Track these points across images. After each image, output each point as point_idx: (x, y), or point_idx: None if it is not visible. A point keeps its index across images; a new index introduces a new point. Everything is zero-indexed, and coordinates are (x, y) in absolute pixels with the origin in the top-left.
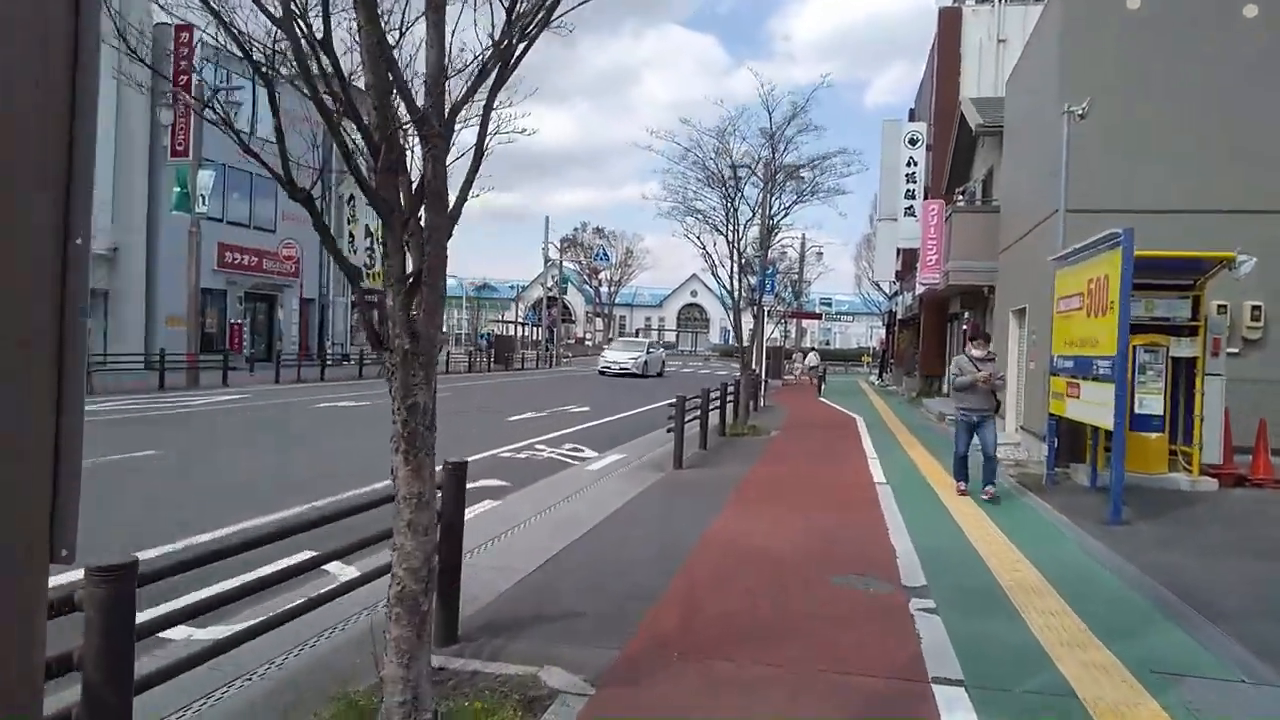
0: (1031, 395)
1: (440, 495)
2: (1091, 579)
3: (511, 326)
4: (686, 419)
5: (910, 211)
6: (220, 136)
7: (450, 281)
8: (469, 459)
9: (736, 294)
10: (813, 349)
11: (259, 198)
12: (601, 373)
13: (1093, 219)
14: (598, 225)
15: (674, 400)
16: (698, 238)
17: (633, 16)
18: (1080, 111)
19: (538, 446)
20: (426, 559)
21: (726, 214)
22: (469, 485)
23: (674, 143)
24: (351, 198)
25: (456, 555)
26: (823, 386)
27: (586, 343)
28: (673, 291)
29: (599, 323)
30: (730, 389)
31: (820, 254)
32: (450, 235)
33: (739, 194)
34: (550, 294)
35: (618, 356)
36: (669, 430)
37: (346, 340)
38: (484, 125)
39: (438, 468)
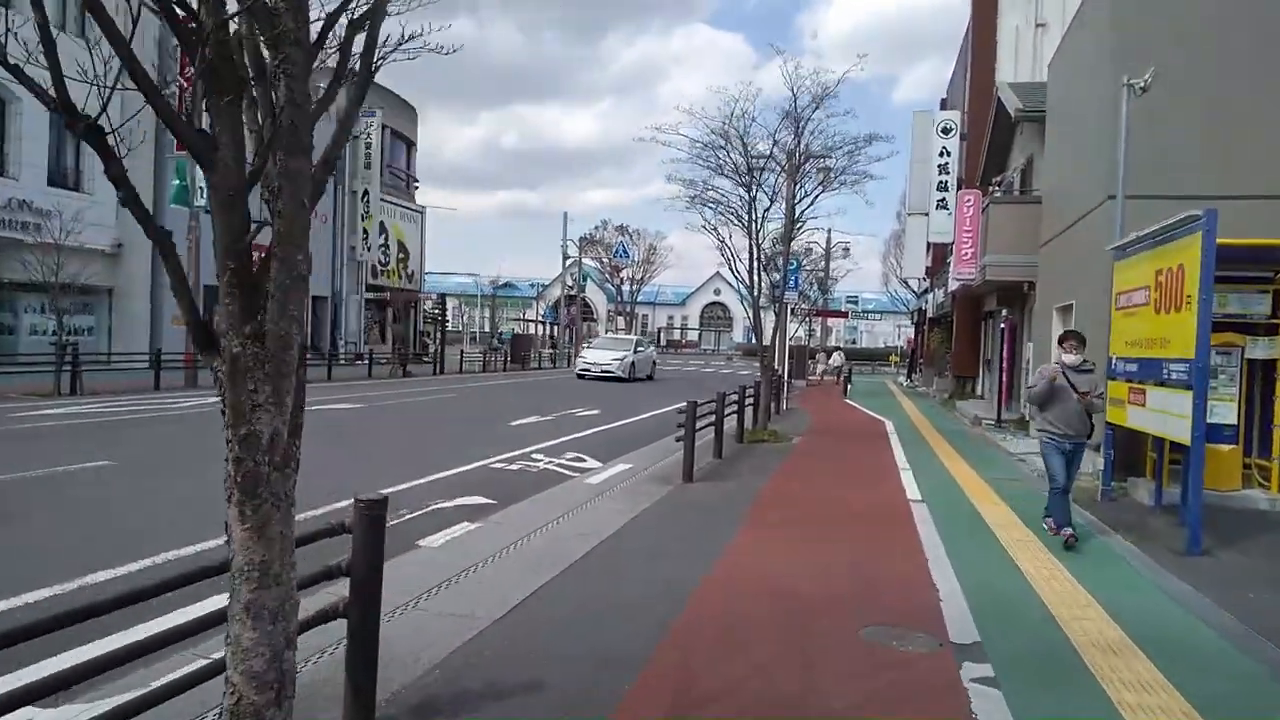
0: None
1: (350, 543)
2: (1182, 633)
3: (531, 325)
4: (701, 425)
5: (943, 204)
6: None
7: (465, 279)
8: (454, 471)
9: (755, 289)
10: (837, 348)
11: None
12: (580, 376)
13: (1150, 206)
14: (620, 223)
15: (706, 400)
16: (714, 230)
17: (659, 14)
18: (1142, 84)
19: (535, 456)
20: (275, 657)
21: (744, 204)
22: (444, 505)
23: (679, 134)
24: (366, 193)
25: (370, 625)
26: (849, 388)
27: None
28: (696, 290)
29: (620, 321)
30: (749, 391)
31: (847, 250)
32: (320, 191)
33: (756, 183)
34: (570, 292)
35: (598, 357)
36: (678, 439)
37: (360, 339)
38: (374, 30)
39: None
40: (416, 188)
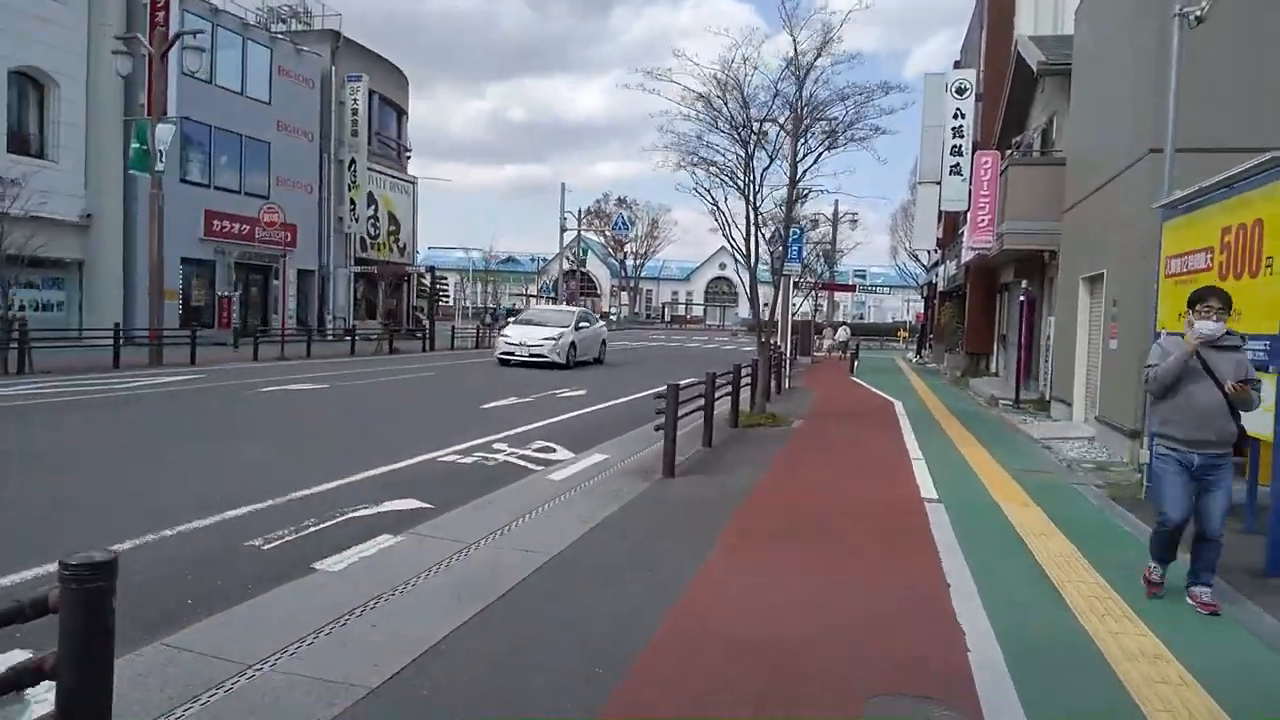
0: (1113, 379)
1: (60, 628)
2: None
3: (532, 300)
4: (689, 410)
5: (956, 170)
6: (207, 93)
7: (458, 254)
8: (395, 466)
9: (752, 258)
10: (843, 323)
11: (250, 162)
12: (502, 362)
13: (1201, 161)
14: (621, 196)
15: (694, 379)
16: (707, 193)
17: None
18: (1198, 13)
19: (497, 446)
20: None
21: (742, 162)
22: (367, 511)
23: (673, 80)
24: (353, 162)
25: None
26: (855, 364)
27: (611, 316)
28: (701, 264)
29: (624, 296)
30: (745, 370)
31: (855, 221)
32: None
33: (755, 136)
34: (572, 267)
35: (525, 335)
36: (657, 428)
37: (349, 314)
38: None
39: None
40: (408, 157)
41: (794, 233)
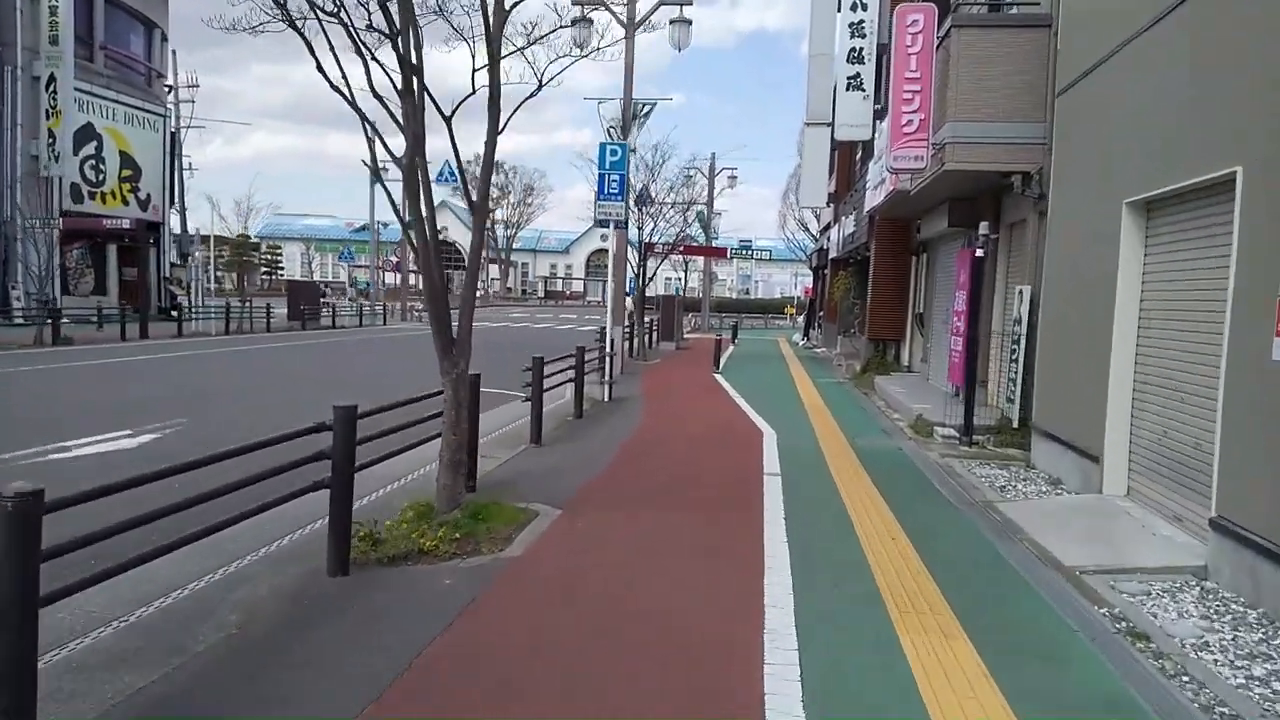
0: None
1: None
2: None
3: (387, 273)
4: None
5: (855, 84)
6: None
7: (324, 223)
8: None
9: (490, 149)
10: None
11: None
12: None
13: None
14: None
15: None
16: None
17: None
18: None
19: None
20: None
21: None
22: None
23: None
24: (52, 79)
25: None
26: (723, 356)
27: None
28: (581, 235)
29: (494, 270)
30: (420, 404)
31: (734, 177)
32: None
33: None
34: (420, 229)
35: None
36: None
37: (53, 288)
38: None
39: None
40: (168, 87)
41: (612, 149)
